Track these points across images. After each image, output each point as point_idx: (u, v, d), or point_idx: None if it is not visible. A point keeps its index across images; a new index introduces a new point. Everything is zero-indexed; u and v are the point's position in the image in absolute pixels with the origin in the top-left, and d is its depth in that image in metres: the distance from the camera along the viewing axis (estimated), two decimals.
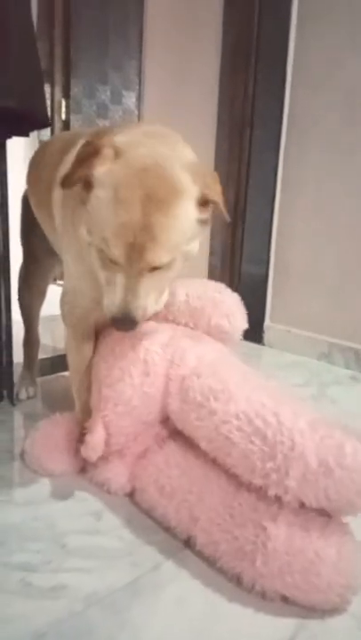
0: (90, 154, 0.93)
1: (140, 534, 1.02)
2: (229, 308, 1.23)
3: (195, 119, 2.53)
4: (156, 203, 0.90)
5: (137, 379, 1.10)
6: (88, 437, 1.10)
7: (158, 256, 0.92)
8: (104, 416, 1.12)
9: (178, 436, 1.12)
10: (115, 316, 0.95)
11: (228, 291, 1.27)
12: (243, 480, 0.94)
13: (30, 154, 1.47)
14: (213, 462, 1.01)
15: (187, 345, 1.15)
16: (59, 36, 2.96)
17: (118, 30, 3.12)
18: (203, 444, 1.02)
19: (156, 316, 1.24)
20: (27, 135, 1.44)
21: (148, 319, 1.07)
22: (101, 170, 0.92)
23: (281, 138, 2.22)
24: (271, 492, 0.88)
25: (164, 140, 0.99)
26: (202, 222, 0.98)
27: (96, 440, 1.09)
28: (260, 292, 2.34)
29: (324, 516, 0.88)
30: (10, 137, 1.42)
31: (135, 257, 0.91)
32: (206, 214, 0.97)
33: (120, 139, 0.95)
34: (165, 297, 1.05)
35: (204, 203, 0.96)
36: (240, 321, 1.24)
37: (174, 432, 1.14)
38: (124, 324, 0.95)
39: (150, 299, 0.97)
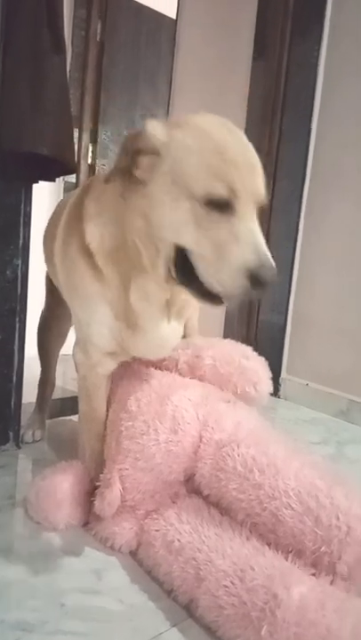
0: (135, 136, 0.93)
1: (141, 598, 0.96)
2: (256, 374, 1.21)
3: None
4: (248, 146, 0.93)
5: (163, 435, 1.06)
6: (105, 491, 1.04)
7: (264, 186, 0.91)
8: (122, 469, 1.07)
9: (193, 493, 1.07)
10: (256, 266, 0.82)
11: (255, 355, 1.25)
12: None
13: (55, 198, 1.48)
14: (229, 524, 0.97)
15: (223, 408, 1.11)
16: (90, 83, 3.05)
17: (148, 80, 3.22)
18: (241, 516, 0.98)
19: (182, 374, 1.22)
20: (53, 180, 1.46)
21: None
22: (164, 133, 0.91)
23: (304, 189, 2.23)
24: (318, 574, 0.86)
25: None
26: None
27: (113, 495, 1.04)
28: (277, 342, 2.30)
29: (345, 591, 0.83)
30: (37, 181, 1.44)
31: (246, 191, 0.88)
32: None
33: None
34: None
35: None
36: (266, 386, 1.23)
37: (191, 490, 1.09)
38: (267, 274, 0.82)
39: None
